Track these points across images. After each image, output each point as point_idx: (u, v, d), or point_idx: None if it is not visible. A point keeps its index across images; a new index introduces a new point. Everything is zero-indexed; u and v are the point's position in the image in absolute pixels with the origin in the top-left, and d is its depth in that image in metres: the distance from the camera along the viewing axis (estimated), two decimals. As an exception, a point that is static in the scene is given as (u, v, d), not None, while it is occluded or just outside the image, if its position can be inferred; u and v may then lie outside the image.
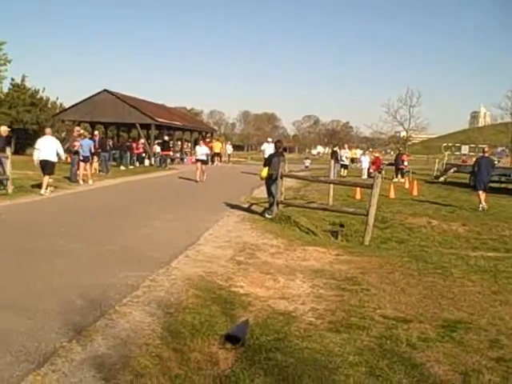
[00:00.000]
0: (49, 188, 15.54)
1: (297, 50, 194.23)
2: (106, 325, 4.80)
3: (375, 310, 5.77)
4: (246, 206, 14.68)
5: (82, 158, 18.92)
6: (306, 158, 48.44)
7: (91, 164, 20.66)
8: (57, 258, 7.36)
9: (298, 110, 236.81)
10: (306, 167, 41.36)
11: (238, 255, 8.28)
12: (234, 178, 22.33)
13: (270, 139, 28.22)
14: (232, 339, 4.60)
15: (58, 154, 15.59)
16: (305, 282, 6.86)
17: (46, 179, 15.34)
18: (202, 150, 23.41)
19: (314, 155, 54.24)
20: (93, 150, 19.94)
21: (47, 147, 15.54)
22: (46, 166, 15.34)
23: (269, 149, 23.71)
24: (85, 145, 19.00)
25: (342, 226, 13.03)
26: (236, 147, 79.92)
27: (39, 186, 15.54)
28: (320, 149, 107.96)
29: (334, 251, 9.07)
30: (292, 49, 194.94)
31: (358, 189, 18.09)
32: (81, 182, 18.52)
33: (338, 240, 11.21)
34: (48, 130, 16.70)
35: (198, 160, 22.99)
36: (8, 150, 15.46)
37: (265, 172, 12.75)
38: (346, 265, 8.00)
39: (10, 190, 14.89)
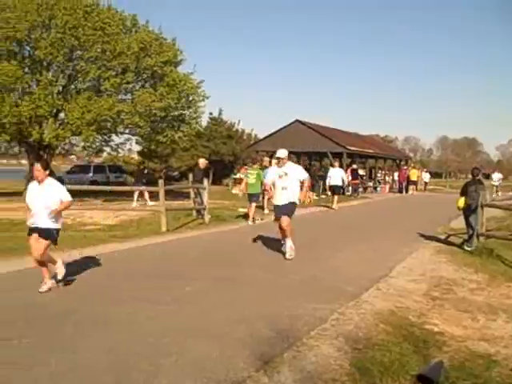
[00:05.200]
0: (335, 204, 22.21)
1: (497, 66, 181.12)
2: (293, 357, 4.79)
3: None
4: (442, 237, 13.92)
5: None
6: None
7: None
8: (246, 286, 7.65)
9: (503, 133, 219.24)
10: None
11: (433, 290, 7.82)
12: (430, 208, 21.35)
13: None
14: (424, 380, 4.29)
15: (343, 181, 23.51)
16: (508, 323, 6.21)
17: (336, 198, 22.30)
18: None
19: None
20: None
21: (335, 176, 22.81)
22: (336, 189, 22.63)
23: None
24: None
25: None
26: (434, 174, 76.92)
27: (244, 216, 17.03)
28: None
29: (545, 289, 8.12)
30: (491, 66, 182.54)
31: None
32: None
33: (549, 276, 10.01)
34: (336, 164, 24.57)
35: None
36: (205, 182, 16.51)
37: (461, 202, 12.01)
38: (560, 305, 7.09)
39: (206, 220, 15.95)
